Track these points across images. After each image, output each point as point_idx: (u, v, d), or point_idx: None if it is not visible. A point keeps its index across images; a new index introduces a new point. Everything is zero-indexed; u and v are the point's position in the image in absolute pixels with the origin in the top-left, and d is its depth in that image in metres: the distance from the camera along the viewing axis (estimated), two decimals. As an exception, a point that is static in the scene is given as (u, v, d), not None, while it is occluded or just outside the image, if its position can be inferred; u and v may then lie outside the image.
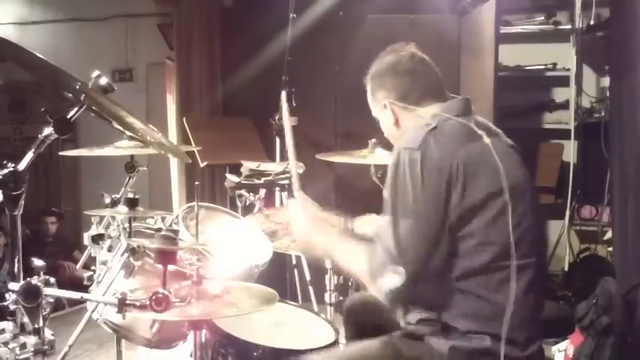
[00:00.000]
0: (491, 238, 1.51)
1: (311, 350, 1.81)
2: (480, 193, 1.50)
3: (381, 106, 1.77)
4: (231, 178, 2.97)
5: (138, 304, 1.45)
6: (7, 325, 1.45)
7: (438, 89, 1.75)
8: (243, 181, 2.93)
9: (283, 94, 1.91)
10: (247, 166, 2.99)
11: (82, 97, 1.60)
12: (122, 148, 2.54)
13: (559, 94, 4.58)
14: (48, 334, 1.46)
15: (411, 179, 1.50)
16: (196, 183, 1.94)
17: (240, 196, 2.94)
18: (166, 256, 1.58)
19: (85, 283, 2.40)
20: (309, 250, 1.84)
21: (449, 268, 1.53)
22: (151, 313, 1.45)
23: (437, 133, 1.55)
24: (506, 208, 1.50)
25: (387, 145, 1.96)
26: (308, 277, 3.41)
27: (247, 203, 2.93)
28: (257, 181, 2.90)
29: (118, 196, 2.49)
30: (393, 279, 1.50)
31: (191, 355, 1.75)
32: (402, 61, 1.76)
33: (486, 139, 1.57)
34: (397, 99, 1.73)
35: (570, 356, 2.83)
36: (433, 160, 1.51)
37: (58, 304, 3.42)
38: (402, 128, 1.74)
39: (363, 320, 1.99)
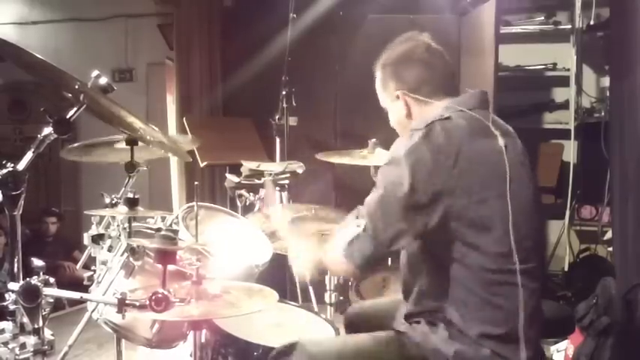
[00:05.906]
0: (489, 240, 1.47)
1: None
2: (479, 192, 1.46)
3: (392, 97, 1.70)
4: (231, 178, 2.96)
5: (138, 304, 1.45)
6: (7, 325, 1.45)
7: (451, 84, 1.69)
8: (243, 181, 2.92)
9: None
10: (247, 166, 2.98)
11: (82, 97, 1.60)
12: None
13: (559, 94, 4.58)
14: (48, 334, 1.46)
15: (407, 154, 1.48)
16: (196, 183, 1.94)
17: (240, 196, 2.93)
18: (166, 256, 1.57)
19: (85, 283, 2.39)
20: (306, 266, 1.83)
21: (447, 265, 1.51)
22: (150, 313, 1.45)
23: (446, 122, 1.51)
24: (506, 213, 1.46)
25: (388, 145, 1.96)
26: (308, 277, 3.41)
27: (247, 203, 2.93)
28: (257, 181, 2.89)
29: (118, 196, 2.48)
30: (353, 229, 1.50)
31: (191, 355, 1.74)
32: (417, 51, 1.67)
33: (501, 141, 1.53)
34: (410, 90, 1.66)
35: (570, 356, 2.83)
36: (436, 143, 1.47)
37: (58, 304, 3.42)
38: (413, 120, 1.67)
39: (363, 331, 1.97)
